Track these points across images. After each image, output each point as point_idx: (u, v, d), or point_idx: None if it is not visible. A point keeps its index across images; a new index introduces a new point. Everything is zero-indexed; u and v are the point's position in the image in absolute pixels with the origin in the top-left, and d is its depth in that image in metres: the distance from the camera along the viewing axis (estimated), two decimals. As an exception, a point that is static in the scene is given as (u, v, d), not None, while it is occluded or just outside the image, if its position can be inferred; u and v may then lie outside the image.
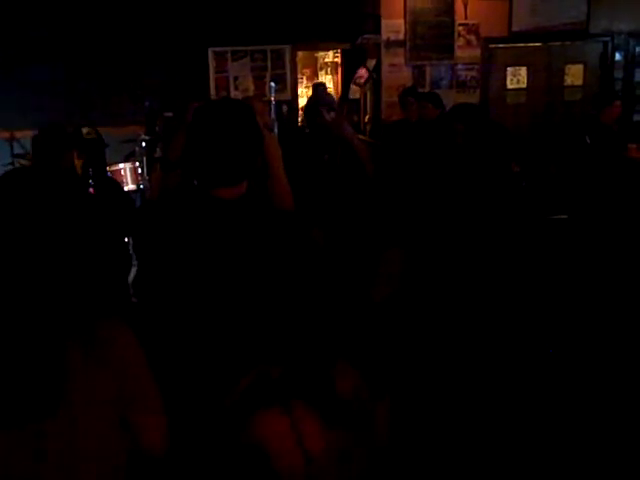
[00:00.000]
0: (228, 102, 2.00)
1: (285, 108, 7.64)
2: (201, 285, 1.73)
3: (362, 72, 7.07)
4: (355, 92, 7.86)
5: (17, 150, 6.06)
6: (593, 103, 5.69)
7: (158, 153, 5.56)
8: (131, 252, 4.01)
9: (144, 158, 5.56)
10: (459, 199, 3.24)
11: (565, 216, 4.20)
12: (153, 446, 1.58)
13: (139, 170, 5.46)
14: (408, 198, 3.46)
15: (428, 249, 3.10)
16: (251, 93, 7.63)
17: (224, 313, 1.73)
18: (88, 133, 3.63)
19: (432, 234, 3.17)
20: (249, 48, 7.68)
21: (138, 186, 5.33)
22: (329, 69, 9.80)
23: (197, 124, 1.79)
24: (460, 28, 7.24)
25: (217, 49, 7.67)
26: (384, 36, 7.21)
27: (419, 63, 7.31)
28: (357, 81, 7.16)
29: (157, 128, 6.14)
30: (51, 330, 1.38)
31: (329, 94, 4.61)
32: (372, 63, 7.28)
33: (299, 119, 7.95)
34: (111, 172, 5.01)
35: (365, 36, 7.22)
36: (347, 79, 7.94)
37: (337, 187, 3.33)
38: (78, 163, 3.57)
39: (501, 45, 7.37)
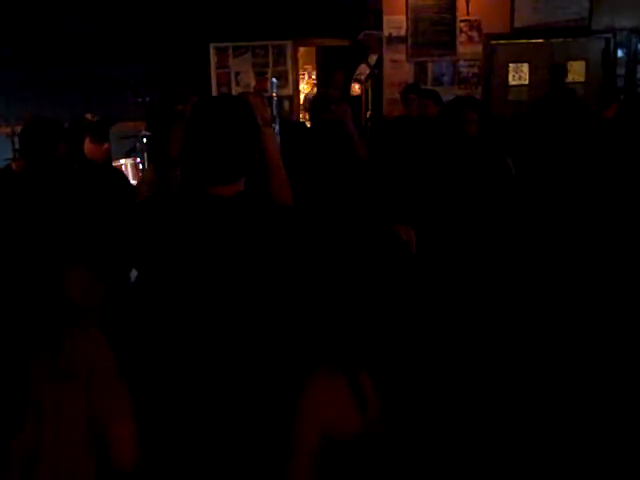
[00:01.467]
0: (225, 98, 1.99)
1: (287, 104, 7.64)
2: (197, 285, 1.71)
3: (363, 68, 7.06)
4: (356, 88, 7.85)
5: (18, 145, 6.05)
6: (598, 99, 5.67)
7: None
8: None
9: (145, 154, 5.56)
10: (468, 191, 3.23)
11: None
12: (123, 458, 1.54)
13: (140, 166, 5.46)
14: (408, 189, 3.45)
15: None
16: (252, 89, 7.61)
17: (220, 313, 1.72)
18: (94, 117, 3.63)
19: (432, 225, 3.17)
20: (250, 44, 7.67)
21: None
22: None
23: (193, 121, 1.77)
24: (462, 24, 7.23)
25: (218, 44, 7.66)
26: (386, 32, 7.20)
27: (421, 59, 7.29)
28: (358, 77, 7.15)
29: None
30: (10, 346, 1.32)
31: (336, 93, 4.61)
32: (373, 59, 7.26)
33: (300, 115, 7.94)
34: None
35: (366, 32, 7.20)
36: (349, 75, 7.93)
37: (334, 178, 3.32)
38: (90, 147, 3.54)
39: (503, 41, 7.35)
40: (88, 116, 3.62)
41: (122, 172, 4.46)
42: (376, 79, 7.39)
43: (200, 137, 1.74)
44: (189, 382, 1.74)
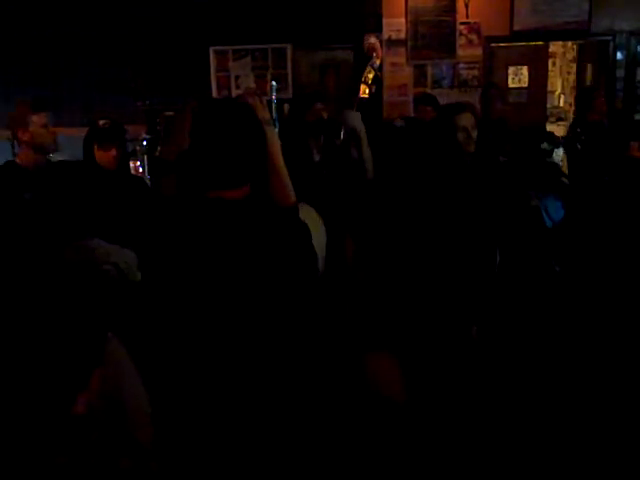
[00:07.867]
0: (228, 102, 1.98)
1: (287, 107, 7.64)
2: (210, 286, 1.71)
3: (368, 70, 7.08)
4: (364, 91, 7.86)
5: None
6: (577, 100, 5.63)
7: (159, 152, 5.57)
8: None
9: (145, 157, 5.57)
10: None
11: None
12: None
13: (140, 169, 5.47)
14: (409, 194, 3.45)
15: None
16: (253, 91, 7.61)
17: (226, 317, 1.71)
18: (104, 124, 3.63)
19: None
20: (250, 47, 7.68)
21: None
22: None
23: (199, 126, 1.77)
24: (461, 27, 7.23)
25: (218, 48, 7.67)
26: (385, 35, 7.21)
27: (420, 62, 7.30)
28: (365, 80, 7.17)
29: (158, 127, 6.14)
30: None
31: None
32: (377, 62, 7.28)
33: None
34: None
35: (368, 34, 7.21)
36: (357, 77, 7.92)
37: (334, 184, 3.32)
38: (97, 154, 3.55)
39: (502, 44, 7.36)
40: (100, 122, 3.62)
41: (141, 178, 4.40)
42: (379, 82, 7.39)
43: (208, 141, 1.73)
44: (199, 388, 1.75)
